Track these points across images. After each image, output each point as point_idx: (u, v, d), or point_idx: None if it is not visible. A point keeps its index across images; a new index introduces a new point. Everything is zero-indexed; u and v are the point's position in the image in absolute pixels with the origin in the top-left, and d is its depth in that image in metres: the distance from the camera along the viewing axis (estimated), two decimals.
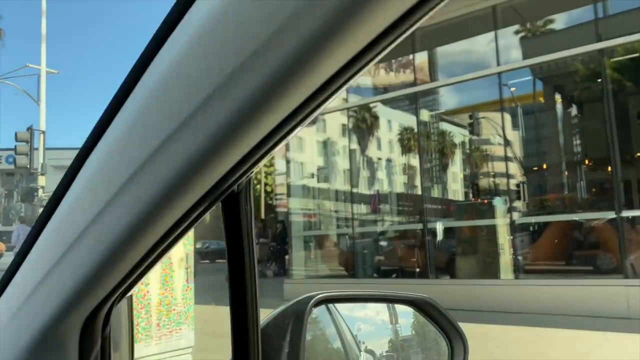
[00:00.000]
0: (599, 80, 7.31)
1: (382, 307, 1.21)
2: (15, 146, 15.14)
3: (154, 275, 4.89)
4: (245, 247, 0.60)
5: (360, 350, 1.10)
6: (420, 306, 1.09)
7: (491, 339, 5.83)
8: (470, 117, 10.54)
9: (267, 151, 0.48)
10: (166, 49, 0.46)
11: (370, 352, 1.15)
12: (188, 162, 0.45)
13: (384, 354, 1.18)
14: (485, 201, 9.06)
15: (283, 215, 19.68)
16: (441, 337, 1.09)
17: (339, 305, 1.11)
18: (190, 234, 5.41)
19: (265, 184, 41.37)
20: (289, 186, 10.57)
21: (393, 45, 0.43)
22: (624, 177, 7.74)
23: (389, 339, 1.23)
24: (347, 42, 0.38)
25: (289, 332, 0.77)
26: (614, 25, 7.52)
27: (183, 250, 5.19)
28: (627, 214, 7.14)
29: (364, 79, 10.34)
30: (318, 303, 0.88)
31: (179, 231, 0.54)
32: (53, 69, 18.84)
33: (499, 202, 8.35)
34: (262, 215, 35.83)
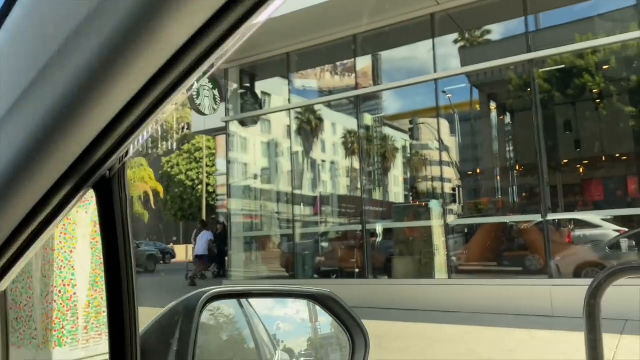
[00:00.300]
0: (529, 89, 7.68)
1: (302, 306, 1.20)
2: None
3: (82, 276, 4.70)
4: (120, 240, 0.56)
5: (276, 349, 1.10)
6: (322, 301, 1.08)
7: (423, 337, 6.01)
8: (411, 122, 10.82)
9: (130, 132, 0.46)
10: (2, 15, 0.43)
11: (288, 350, 1.15)
12: (31, 138, 0.42)
13: (302, 353, 1.18)
14: (423, 204, 9.32)
15: (224, 216, 19.42)
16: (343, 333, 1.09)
17: (256, 304, 1.10)
18: None
19: (208, 184, 40.77)
20: (229, 187, 10.45)
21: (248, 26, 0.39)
22: (551, 182, 8.18)
23: (308, 337, 1.23)
24: (191, 3, 0.35)
25: (178, 329, 0.75)
26: (544, 38, 7.93)
27: None
28: (552, 217, 7.55)
29: (308, 81, 10.40)
30: (212, 299, 0.87)
31: (42, 217, 0.49)
32: None
33: (435, 205, 8.60)
34: (204, 216, 35.21)
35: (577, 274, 7.47)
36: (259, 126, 11.00)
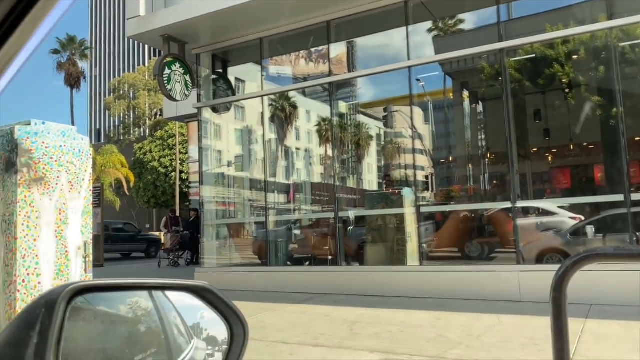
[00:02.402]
0: (500, 78, 7.76)
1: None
2: None
3: (46, 265, 4.58)
4: None
5: (192, 339, 1.12)
6: (199, 293, 1.08)
7: (395, 323, 6.07)
8: (385, 110, 10.83)
9: None
10: None
11: (210, 339, 1.18)
12: None
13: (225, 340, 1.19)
14: (396, 191, 9.36)
15: (197, 204, 19.26)
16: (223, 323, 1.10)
17: (174, 297, 1.13)
18: (90, 221, 5.12)
19: (181, 172, 40.26)
20: (202, 174, 10.32)
21: None
22: (520, 170, 8.31)
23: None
24: None
25: (38, 323, 0.75)
26: (516, 28, 8.01)
27: (80, 237, 4.91)
28: (521, 204, 7.67)
29: (282, 67, 10.29)
30: (78, 292, 0.86)
31: None
32: None
33: (407, 193, 8.66)
34: (177, 203, 34.76)
35: (539, 260, 7.67)
36: (232, 113, 10.86)
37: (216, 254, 10.18)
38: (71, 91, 44.91)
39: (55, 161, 4.74)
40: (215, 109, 10.52)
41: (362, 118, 10.57)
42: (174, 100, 9.52)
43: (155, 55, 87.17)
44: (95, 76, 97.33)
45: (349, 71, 9.08)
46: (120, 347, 1.03)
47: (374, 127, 10.91)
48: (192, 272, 13.38)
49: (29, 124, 4.66)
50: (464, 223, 8.52)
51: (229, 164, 11.23)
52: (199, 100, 10.27)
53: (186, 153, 42.56)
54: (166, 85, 9.29)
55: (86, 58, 46.81)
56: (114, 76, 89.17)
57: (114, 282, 1.02)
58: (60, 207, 4.75)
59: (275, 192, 10.35)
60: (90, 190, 5.09)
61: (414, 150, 8.57)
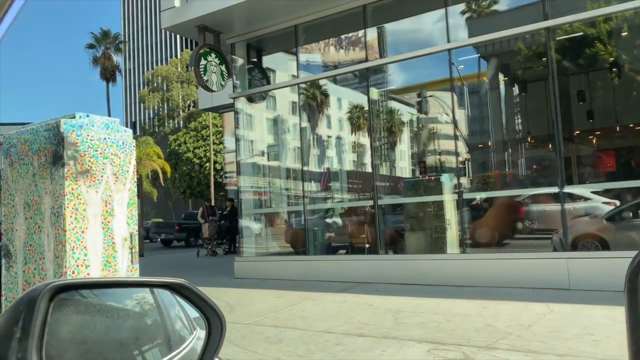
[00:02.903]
0: (544, 59, 7.46)
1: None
2: None
3: (94, 257, 4.65)
4: None
5: (194, 330, 1.16)
6: (177, 290, 1.12)
7: (440, 313, 5.95)
8: (420, 95, 10.59)
9: None
10: None
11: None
12: None
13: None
14: (434, 177, 9.18)
15: (233, 194, 19.40)
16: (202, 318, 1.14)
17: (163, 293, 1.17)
18: (135, 212, 5.17)
19: (215, 162, 40.73)
20: (238, 164, 10.35)
21: None
22: (565, 153, 7.99)
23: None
24: None
25: (21, 319, 0.79)
26: (559, 6, 7.66)
27: (126, 229, 4.96)
28: (569, 189, 7.40)
29: (317, 54, 10.17)
30: (59, 290, 0.90)
31: None
32: None
33: (446, 179, 8.49)
34: (212, 193, 35.22)
35: (587, 246, 7.39)
36: (266, 102, 10.82)
37: (255, 243, 10.23)
38: (107, 85, 45.84)
39: (100, 154, 4.79)
40: (250, 99, 10.51)
41: (397, 104, 10.35)
42: (210, 91, 9.53)
43: (187, 47, 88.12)
44: (129, 69, 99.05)
45: (385, 56, 8.88)
46: (120, 339, 1.07)
47: (409, 112, 10.69)
48: (230, 261, 13.54)
49: (74, 117, 4.71)
50: (508, 209, 8.27)
51: (265, 153, 11.23)
52: (234, 90, 10.26)
53: (220, 144, 43.05)
54: (202, 75, 9.31)
55: (120, 52, 47.62)
56: (147, 69, 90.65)
57: (93, 280, 1.11)
58: (106, 199, 4.80)
59: (312, 180, 10.29)
60: (134, 181, 5.13)
61: (453, 136, 8.36)
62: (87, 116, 4.82)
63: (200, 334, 1.15)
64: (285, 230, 10.22)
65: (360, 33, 8.83)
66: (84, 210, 4.60)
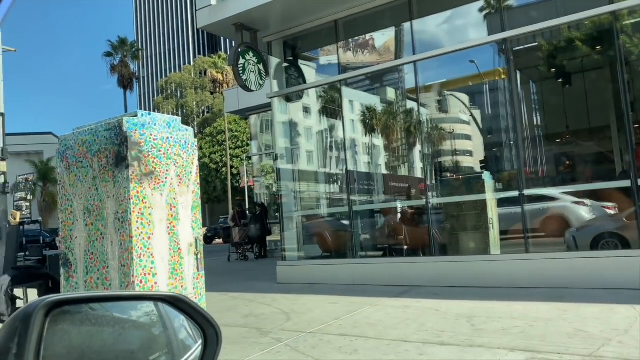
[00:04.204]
0: (599, 47, 7.04)
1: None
2: None
3: (161, 264, 4.34)
4: None
5: (199, 339, 1.16)
6: (173, 303, 1.12)
7: (517, 317, 5.55)
8: (468, 88, 10.18)
9: None
10: None
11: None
12: None
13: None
14: (482, 175, 8.78)
15: (261, 198, 19.13)
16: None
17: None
18: (199, 216, 4.86)
19: (232, 167, 40.57)
20: (277, 165, 10.03)
21: None
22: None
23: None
24: None
25: (17, 335, 0.79)
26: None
27: (192, 234, 4.65)
28: None
29: (355, 51, 9.83)
30: (55, 305, 0.89)
31: None
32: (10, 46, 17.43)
33: (487, 176, 8.14)
34: (229, 198, 35.01)
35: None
36: (305, 101, 10.49)
37: (297, 247, 9.88)
38: (124, 93, 45.97)
39: (164, 154, 4.48)
40: (288, 98, 10.19)
41: (447, 100, 9.94)
42: (249, 90, 9.24)
43: (200, 54, 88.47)
44: (143, 77, 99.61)
45: (433, 49, 8.48)
46: (123, 351, 1.05)
47: (458, 107, 10.28)
48: (264, 266, 13.22)
49: (135, 115, 4.41)
50: (572, 205, 7.82)
51: (305, 154, 10.90)
52: (271, 89, 9.95)
53: (236, 148, 42.89)
54: (241, 75, 9.02)
55: (137, 59, 47.75)
56: (161, 76, 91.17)
57: (88, 295, 1.11)
58: (171, 202, 4.50)
59: (357, 181, 9.92)
60: (197, 183, 4.82)
61: (511, 132, 7.95)
62: (149, 114, 4.52)
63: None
64: (330, 233, 9.85)
65: (406, 26, 8.46)
66: (149, 215, 4.29)
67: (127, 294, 1.38)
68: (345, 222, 9.35)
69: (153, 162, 4.38)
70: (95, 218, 4.41)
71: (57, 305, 0.90)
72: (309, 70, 10.40)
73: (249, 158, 30.28)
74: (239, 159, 39.72)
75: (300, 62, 10.26)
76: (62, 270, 4.68)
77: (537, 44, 8.47)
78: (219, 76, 52.74)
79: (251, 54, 9.30)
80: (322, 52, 10.10)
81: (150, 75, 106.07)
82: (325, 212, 10.45)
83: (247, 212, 17.84)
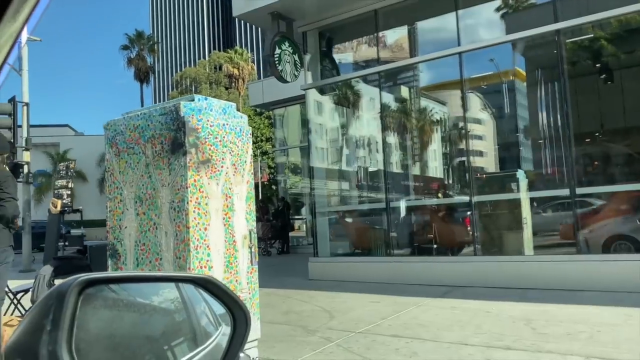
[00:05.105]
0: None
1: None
2: None
3: (217, 257, 4.11)
4: None
5: (219, 326, 1.17)
6: (202, 285, 1.13)
7: (578, 321, 5.26)
8: (517, 81, 9.82)
9: None
10: None
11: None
12: None
13: None
14: (522, 174, 8.46)
15: (285, 193, 18.92)
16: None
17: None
18: (253, 207, 4.62)
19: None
20: (310, 159, 9.77)
21: None
22: None
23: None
24: None
25: (51, 312, 0.80)
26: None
27: (246, 226, 4.41)
28: None
29: (395, 41, 9.53)
30: (88, 284, 0.89)
31: None
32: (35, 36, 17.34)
33: (521, 175, 7.84)
34: (259, 194, 34.95)
35: None
36: (340, 93, 10.21)
37: (330, 243, 9.64)
38: (141, 86, 45.98)
39: (220, 141, 4.25)
40: (322, 91, 9.94)
41: (493, 93, 9.56)
42: (284, 81, 8.99)
43: (215, 49, 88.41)
44: (158, 71, 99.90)
45: (481, 39, 8.15)
46: (148, 334, 1.05)
47: (505, 102, 9.89)
48: (286, 261, 13.01)
49: (192, 100, 4.18)
50: (624, 204, 7.47)
51: (340, 147, 10.64)
52: (305, 81, 9.70)
53: (254, 142, 42.68)
54: (277, 65, 8.77)
55: (154, 52, 47.71)
56: (176, 71, 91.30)
57: (122, 275, 1.20)
58: (226, 192, 4.26)
59: (394, 177, 9.63)
60: (251, 173, 4.58)
61: (559, 128, 7.62)
62: (205, 99, 4.28)
63: (226, 330, 1.14)
64: (364, 231, 9.57)
65: (451, 15, 8.16)
66: (206, 205, 4.05)
67: (157, 275, 1.38)
68: (380, 220, 9.09)
69: (209, 149, 4.14)
70: (147, 207, 4.18)
71: (90, 284, 0.90)
72: (344, 62, 10.13)
73: (264, 154, 30.05)
74: (253, 155, 39.52)
75: (335, 53, 10.00)
76: (109, 262, 4.46)
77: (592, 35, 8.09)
78: (235, 71, 52.57)
79: (287, 44, 9.06)
80: (360, 43, 9.82)
81: (164, 70, 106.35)
82: (359, 209, 10.16)
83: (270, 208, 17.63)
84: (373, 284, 8.24)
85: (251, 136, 4.64)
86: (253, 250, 4.46)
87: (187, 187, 3.93)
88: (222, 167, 4.24)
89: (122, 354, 0.96)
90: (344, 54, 10.11)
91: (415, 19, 8.93)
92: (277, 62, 8.78)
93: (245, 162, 4.48)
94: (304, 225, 17.54)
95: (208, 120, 4.17)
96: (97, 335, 0.95)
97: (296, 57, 9.16)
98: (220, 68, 63.96)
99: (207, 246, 4.03)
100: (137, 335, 1.04)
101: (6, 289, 5.13)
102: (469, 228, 7.86)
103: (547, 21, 7.29)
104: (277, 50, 8.84)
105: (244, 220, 4.41)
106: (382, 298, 7.21)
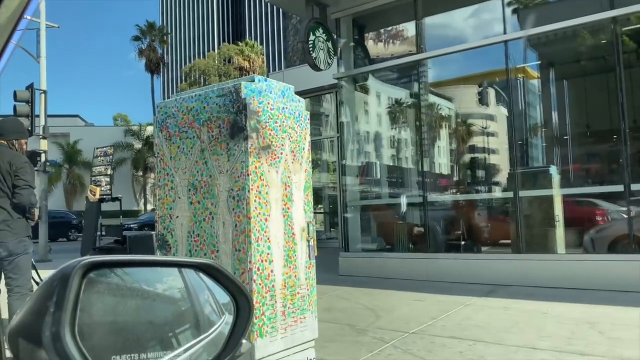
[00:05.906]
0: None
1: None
2: (15, 106, 13.63)
3: (277, 250, 3.80)
4: None
5: (222, 314, 1.15)
6: (205, 270, 1.13)
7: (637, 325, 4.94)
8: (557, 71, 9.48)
9: None
10: None
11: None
12: None
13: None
14: (555, 170, 8.11)
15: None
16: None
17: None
18: (311, 198, 4.31)
19: None
20: (342, 150, 9.45)
21: None
22: None
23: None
24: None
25: (55, 294, 0.80)
26: None
27: (304, 218, 4.10)
28: None
29: (437, 29, 9.18)
30: (92, 267, 0.88)
31: None
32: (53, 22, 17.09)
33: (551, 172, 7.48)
34: None
35: None
36: (375, 83, 9.86)
37: (361, 238, 9.33)
38: (151, 77, 45.75)
39: (279, 126, 3.94)
40: (355, 79, 9.60)
41: (540, 82, 9.15)
42: (318, 69, 8.65)
43: (224, 41, 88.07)
44: (167, 63, 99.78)
45: (529, 27, 7.76)
46: (152, 320, 1.04)
47: (552, 93, 9.52)
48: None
49: (253, 80, 3.86)
50: None
51: (375, 139, 10.30)
52: (338, 69, 9.36)
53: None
54: (311, 52, 8.44)
55: (165, 43, 47.42)
56: (185, 63, 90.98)
57: (125, 259, 1.09)
58: (285, 181, 3.95)
59: (432, 170, 9.28)
60: (309, 161, 4.27)
61: (606, 122, 7.26)
62: (265, 80, 3.97)
63: (229, 319, 1.14)
64: (399, 226, 9.24)
65: (497, 2, 7.79)
66: (266, 194, 3.74)
67: (162, 260, 1.42)
68: (416, 215, 8.77)
69: (270, 134, 3.83)
70: (202, 195, 3.88)
71: (94, 267, 0.89)
72: (378, 51, 9.77)
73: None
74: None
75: (369, 41, 9.66)
76: (158, 253, 4.17)
77: None
78: (246, 64, 52.25)
79: (321, 31, 8.72)
80: (396, 30, 9.46)
81: (173, 62, 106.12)
82: (393, 203, 9.82)
83: None
84: (411, 281, 7.93)
85: (309, 122, 4.32)
86: (311, 243, 4.15)
87: (248, 175, 3.62)
88: (281, 153, 3.93)
89: (126, 338, 0.94)
90: (379, 43, 9.76)
91: (460, 4, 8.55)
92: (311, 49, 8.44)
93: (304, 149, 4.17)
94: (324, 219, 17.19)
95: (268, 103, 3.86)
96: (100, 319, 0.93)
97: (330, 45, 8.82)
98: (229, 61, 63.63)
99: (268, 238, 3.73)
100: (140, 321, 1.02)
101: (35, 280, 4.85)
102: (513, 225, 7.51)
103: (603, 8, 6.92)
104: (311, 37, 8.50)
105: (302, 211, 4.10)
106: (424, 296, 6.90)
